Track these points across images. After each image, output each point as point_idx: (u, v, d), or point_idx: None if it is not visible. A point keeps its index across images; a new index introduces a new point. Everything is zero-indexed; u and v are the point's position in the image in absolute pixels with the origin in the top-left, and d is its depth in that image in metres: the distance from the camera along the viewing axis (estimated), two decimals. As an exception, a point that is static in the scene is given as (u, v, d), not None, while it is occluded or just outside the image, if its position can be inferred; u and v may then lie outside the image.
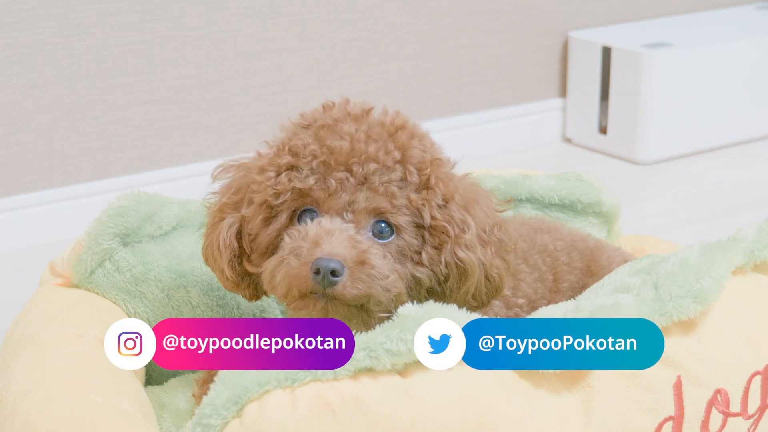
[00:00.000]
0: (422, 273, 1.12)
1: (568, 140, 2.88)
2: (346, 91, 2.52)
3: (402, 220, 1.11)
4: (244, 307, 1.43)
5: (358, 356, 1.00)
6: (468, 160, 2.68)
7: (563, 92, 2.86)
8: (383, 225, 1.11)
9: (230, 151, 2.41)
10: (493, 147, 2.77)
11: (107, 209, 1.37)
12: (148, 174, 2.34)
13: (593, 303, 1.13)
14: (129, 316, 1.37)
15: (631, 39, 2.71)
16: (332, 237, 1.07)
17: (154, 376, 1.41)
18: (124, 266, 1.36)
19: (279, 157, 1.13)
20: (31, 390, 1.11)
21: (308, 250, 1.07)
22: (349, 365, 1.00)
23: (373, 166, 1.10)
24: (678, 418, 1.09)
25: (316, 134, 1.13)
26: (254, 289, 1.20)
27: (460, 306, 1.10)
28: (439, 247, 1.12)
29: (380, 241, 1.11)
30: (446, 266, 1.12)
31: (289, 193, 1.12)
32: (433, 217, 1.11)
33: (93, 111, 2.26)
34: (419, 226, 1.12)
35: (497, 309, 1.26)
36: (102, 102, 2.26)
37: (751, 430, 1.14)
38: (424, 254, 1.12)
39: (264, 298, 1.43)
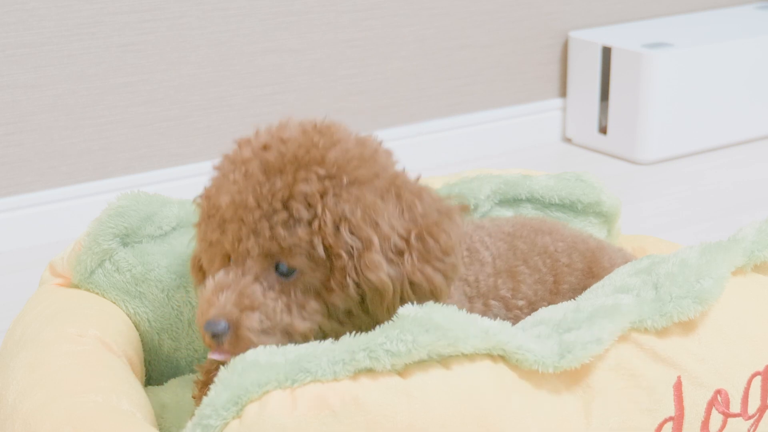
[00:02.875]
0: (336, 299, 1.12)
1: (568, 140, 2.88)
2: (346, 91, 2.52)
3: (297, 259, 1.11)
4: (244, 307, 1.43)
5: (358, 357, 1.00)
6: (468, 160, 2.70)
7: (563, 92, 2.86)
8: (282, 265, 1.11)
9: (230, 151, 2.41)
10: (493, 147, 2.77)
11: (107, 209, 1.37)
12: (148, 174, 2.34)
13: (593, 303, 1.13)
14: (129, 316, 1.37)
15: (631, 39, 2.71)
16: (221, 295, 1.10)
17: (154, 376, 1.41)
18: (124, 266, 1.36)
19: (201, 211, 1.16)
20: (30, 390, 1.11)
21: (203, 309, 1.10)
22: (349, 366, 1.00)
23: (257, 213, 1.10)
24: (678, 419, 1.09)
25: (214, 185, 1.15)
26: None
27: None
28: (342, 271, 1.11)
29: (287, 279, 1.11)
30: (357, 286, 1.11)
31: (207, 243, 1.15)
32: (326, 247, 1.10)
33: (93, 111, 2.26)
34: (319, 257, 1.11)
35: (497, 310, 1.27)
36: (102, 102, 2.26)
37: (752, 430, 1.14)
38: (332, 281, 1.11)
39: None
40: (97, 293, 1.36)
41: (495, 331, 1.04)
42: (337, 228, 1.10)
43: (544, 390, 1.05)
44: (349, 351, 1.00)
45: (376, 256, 1.10)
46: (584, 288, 1.31)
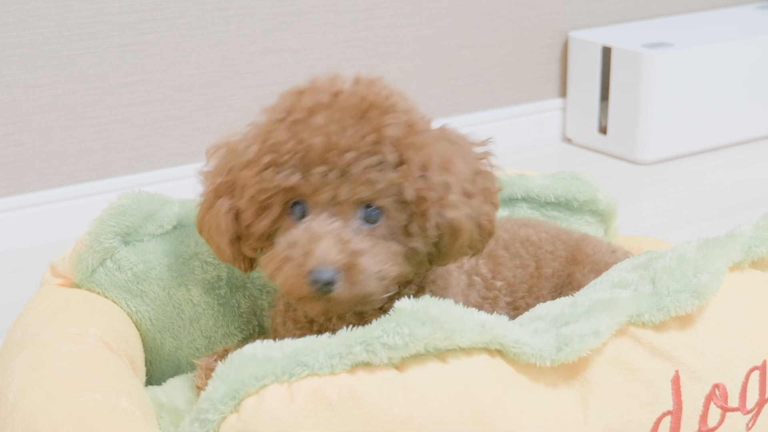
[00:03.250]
0: (416, 243, 1.14)
1: (568, 140, 2.88)
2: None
3: (386, 202, 1.12)
4: (245, 306, 1.43)
5: (355, 350, 1.00)
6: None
7: (563, 92, 2.86)
8: (370, 209, 1.12)
9: (230, 151, 2.41)
10: (493, 147, 2.77)
11: (108, 208, 1.37)
12: (148, 174, 2.34)
13: (590, 297, 1.13)
14: (130, 315, 1.37)
15: (631, 39, 2.71)
16: (322, 242, 1.09)
17: (155, 375, 1.41)
18: (126, 265, 1.36)
19: (261, 155, 1.13)
20: (30, 389, 1.11)
21: (302, 259, 1.09)
22: (346, 359, 1.00)
23: (350, 155, 1.10)
24: (676, 413, 1.09)
25: (291, 129, 1.13)
26: (249, 263, 1.22)
27: (457, 259, 1.16)
28: (425, 214, 1.13)
29: (370, 225, 1.12)
30: (437, 228, 1.13)
31: (274, 190, 1.13)
32: (415, 189, 1.12)
33: (93, 111, 2.26)
34: (404, 201, 1.12)
35: (479, 287, 1.29)
36: (102, 102, 2.26)
37: (750, 425, 1.14)
38: (412, 226, 1.13)
39: (260, 308, 1.44)
40: (98, 292, 1.36)
41: (492, 324, 1.04)
42: (422, 171, 1.12)
43: (541, 383, 1.05)
44: (346, 344, 1.01)
45: (456, 197, 1.13)
46: (568, 274, 1.35)
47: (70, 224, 2.25)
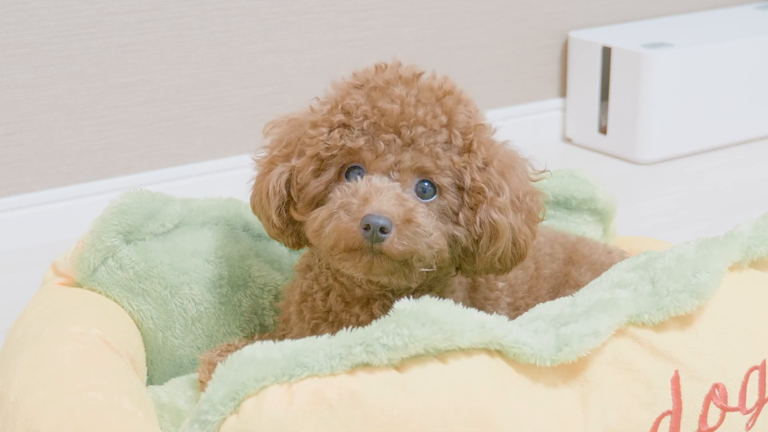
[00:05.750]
0: (460, 232, 1.17)
1: (568, 140, 2.88)
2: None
3: (444, 180, 1.16)
4: (246, 305, 1.44)
5: (355, 351, 1.00)
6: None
7: (563, 92, 2.86)
8: (426, 184, 1.16)
9: (230, 151, 2.41)
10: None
11: (110, 207, 1.37)
12: (148, 174, 2.34)
13: (590, 298, 1.13)
14: (132, 314, 1.37)
15: (631, 39, 2.71)
16: (381, 195, 1.12)
17: (155, 375, 1.41)
18: (127, 264, 1.36)
19: (332, 115, 1.18)
20: (32, 388, 1.11)
21: (358, 207, 1.12)
22: (346, 360, 1.00)
23: (420, 129, 1.15)
24: (676, 413, 1.09)
25: (368, 95, 1.17)
26: (297, 237, 1.25)
27: (486, 269, 1.19)
28: (474, 208, 1.17)
29: (423, 200, 1.16)
30: (480, 226, 1.17)
31: (338, 150, 1.16)
32: (473, 179, 1.16)
33: (93, 111, 2.26)
34: (459, 188, 1.17)
35: (483, 288, 1.32)
36: (102, 102, 2.26)
37: (750, 424, 1.14)
38: (461, 215, 1.17)
39: (262, 306, 1.44)
40: (100, 291, 1.36)
41: (491, 325, 1.04)
42: (485, 165, 1.17)
43: (541, 384, 1.05)
44: (345, 345, 1.01)
45: (506, 201, 1.17)
46: (566, 275, 1.38)
47: (70, 224, 2.25)
